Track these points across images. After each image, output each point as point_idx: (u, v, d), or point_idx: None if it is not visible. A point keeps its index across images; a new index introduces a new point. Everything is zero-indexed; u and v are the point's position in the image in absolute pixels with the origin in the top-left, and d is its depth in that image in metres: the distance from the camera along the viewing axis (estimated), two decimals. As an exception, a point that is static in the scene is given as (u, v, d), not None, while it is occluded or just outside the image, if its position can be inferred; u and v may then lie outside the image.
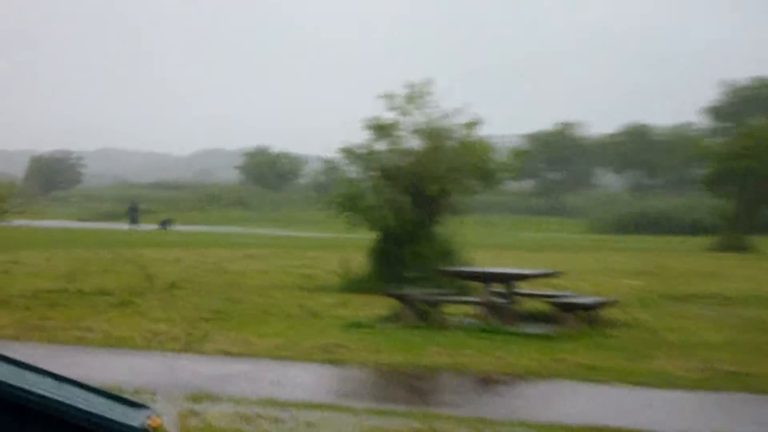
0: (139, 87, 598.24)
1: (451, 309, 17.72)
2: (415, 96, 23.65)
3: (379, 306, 18.89)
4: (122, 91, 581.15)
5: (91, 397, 4.89)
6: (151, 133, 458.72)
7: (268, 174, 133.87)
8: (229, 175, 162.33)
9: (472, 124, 24.04)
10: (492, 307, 16.88)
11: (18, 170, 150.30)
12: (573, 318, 16.70)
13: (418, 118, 23.63)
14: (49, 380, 4.96)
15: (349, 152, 24.01)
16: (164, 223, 72.74)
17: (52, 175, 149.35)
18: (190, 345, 14.01)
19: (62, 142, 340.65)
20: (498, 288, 17.30)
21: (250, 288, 22.94)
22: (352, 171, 24.50)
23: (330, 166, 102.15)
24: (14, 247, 37.71)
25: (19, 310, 17.71)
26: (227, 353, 13.46)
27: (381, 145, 23.66)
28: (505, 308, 16.94)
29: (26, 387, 4.38)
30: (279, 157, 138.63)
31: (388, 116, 23.59)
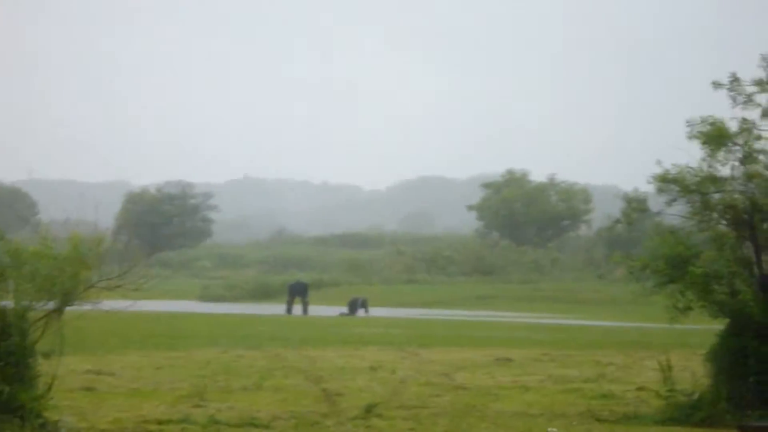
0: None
1: None
2: None
3: (730, 449, 15.87)
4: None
5: None
6: (317, 157, 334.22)
7: (524, 217, 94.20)
8: (452, 220, 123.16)
9: None
10: None
11: (105, 214, 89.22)
12: None
13: None
14: None
15: (668, 181, 17.87)
16: (354, 305, 54.68)
17: (163, 224, 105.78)
18: None
19: (167, 172, 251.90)
20: None
21: (504, 417, 18.26)
22: (676, 214, 18.60)
23: (634, 206, 78.35)
24: (104, 346, 28.69)
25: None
26: None
27: (726, 168, 17.85)
28: None
29: None
30: (546, 188, 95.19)
31: (735, 116, 17.65)
